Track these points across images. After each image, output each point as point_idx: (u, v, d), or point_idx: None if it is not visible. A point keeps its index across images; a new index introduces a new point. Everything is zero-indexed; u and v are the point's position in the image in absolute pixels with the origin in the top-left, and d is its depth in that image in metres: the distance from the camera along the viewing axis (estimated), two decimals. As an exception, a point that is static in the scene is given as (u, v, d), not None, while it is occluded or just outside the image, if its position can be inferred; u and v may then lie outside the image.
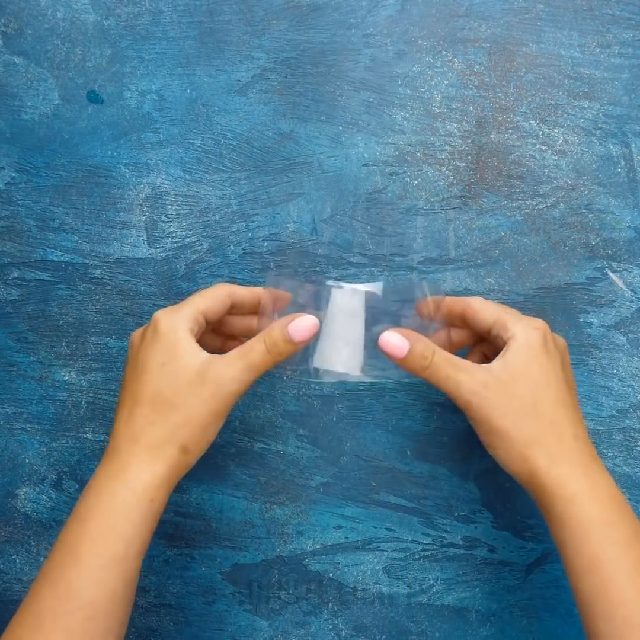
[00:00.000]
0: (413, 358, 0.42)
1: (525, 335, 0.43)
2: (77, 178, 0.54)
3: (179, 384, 0.41)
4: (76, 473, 0.54)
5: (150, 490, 0.41)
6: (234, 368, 0.42)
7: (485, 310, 0.46)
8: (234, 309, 0.46)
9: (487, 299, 0.52)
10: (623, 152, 0.54)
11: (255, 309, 0.47)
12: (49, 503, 0.54)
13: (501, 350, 0.44)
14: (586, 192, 0.54)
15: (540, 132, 0.54)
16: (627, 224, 0.54)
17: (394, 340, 0.43)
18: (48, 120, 0.54)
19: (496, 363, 0.43)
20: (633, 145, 0.54)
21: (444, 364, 0.42)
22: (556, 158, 0.54)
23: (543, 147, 0.54)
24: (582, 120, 0.54)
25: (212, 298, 0.44)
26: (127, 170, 0.54)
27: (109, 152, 0.54)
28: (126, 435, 0.42)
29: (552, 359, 0.43)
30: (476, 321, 0.46)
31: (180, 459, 0.42)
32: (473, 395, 0.42)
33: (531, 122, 0.54)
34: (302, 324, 0.42)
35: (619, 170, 0.54)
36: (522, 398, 0.42)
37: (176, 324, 0.42)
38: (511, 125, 0.54)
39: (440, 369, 0.42)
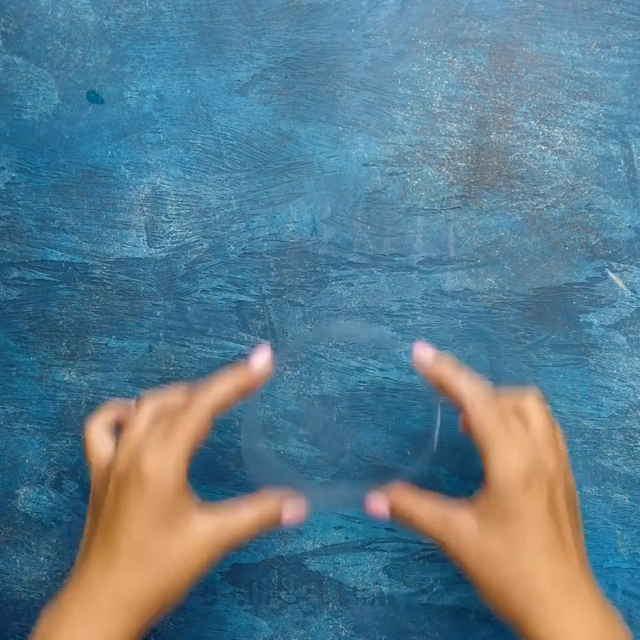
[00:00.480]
0: (394, 516, 0.43)
1: (504, 476, 0.39)
2: (77, 178, 0.54)
3: (162, 540, 0.38)
4: (76, 473, 0.54)
5: None
6: (225, 530, 0.40)
7: (472, 424, 0.42)
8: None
9: (486, 300, 0.53)
10: (623, 152, 0.54)
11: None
12: (49, 503, 0.54)
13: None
14: (586, 192, 0.54)
15: (540, 132, 0.54)
16: (627, 224, 0.54)
17: (378, 506, 0.43)
18: (48, 120, 0.54)
19: (469, 512, 0.41)
20: (633, 146, 0.54)
21: (422, 516, 0.42)
22: (556, 158, 0.54)
23: (543, 147, 0.54)
24: (582, 120, 0.54)
25: (198, 429, 0.40)
26: (127, 171, 0.54)
27: (109, 152, 0.54)
28: (100, 586, 0.38)
29: (534, 500, 0.39)
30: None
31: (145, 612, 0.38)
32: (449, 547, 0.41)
33: (531, 122, 0.54)
34: (295, 506, 0.43)
35: (619, 170, 0.54)
36: (496, 547, 0.40)
37: (165, 473, 0.38)
38: (511, 126, 0.54)
39: (420, 520, 0.42)
